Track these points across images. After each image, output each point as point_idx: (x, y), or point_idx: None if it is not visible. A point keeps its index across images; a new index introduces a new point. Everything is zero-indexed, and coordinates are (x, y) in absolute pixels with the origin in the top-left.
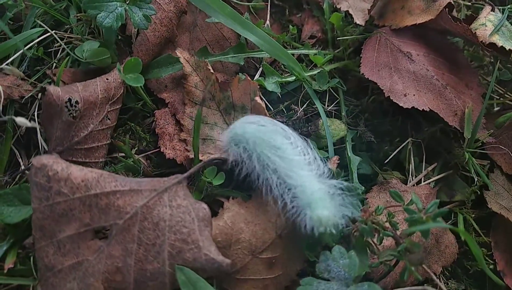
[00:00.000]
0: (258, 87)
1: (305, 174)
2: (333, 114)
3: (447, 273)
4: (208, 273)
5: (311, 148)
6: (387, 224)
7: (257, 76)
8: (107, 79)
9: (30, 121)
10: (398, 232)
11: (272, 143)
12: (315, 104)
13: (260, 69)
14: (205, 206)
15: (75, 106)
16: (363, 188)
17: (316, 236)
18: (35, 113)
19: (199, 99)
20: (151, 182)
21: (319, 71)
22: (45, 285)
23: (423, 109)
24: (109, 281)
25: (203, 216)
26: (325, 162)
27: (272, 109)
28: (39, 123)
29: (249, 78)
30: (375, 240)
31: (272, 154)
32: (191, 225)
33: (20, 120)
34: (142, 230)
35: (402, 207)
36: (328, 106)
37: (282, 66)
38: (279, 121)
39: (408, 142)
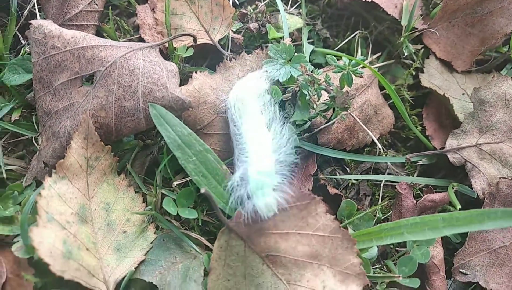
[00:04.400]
0: None
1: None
2: (294, 15)
3: (386, 143)
4: (174, 110)
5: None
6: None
7: None
8: None
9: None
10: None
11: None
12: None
13: None
14: (173, 63)
15: None
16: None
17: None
18: None
19: None
20: (128, 43)
21: None
22: (44, 127)
23: (365, 0)
24: (95, 117)
25: (171, 69)
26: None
27: (237, 3)
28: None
29: None
30: (314, 97)
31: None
32: (160, 73)
33: None
34: (120, 75)
35: (335, 66)
36: (290, 7)
37: None
38: None
39: (357, 34)
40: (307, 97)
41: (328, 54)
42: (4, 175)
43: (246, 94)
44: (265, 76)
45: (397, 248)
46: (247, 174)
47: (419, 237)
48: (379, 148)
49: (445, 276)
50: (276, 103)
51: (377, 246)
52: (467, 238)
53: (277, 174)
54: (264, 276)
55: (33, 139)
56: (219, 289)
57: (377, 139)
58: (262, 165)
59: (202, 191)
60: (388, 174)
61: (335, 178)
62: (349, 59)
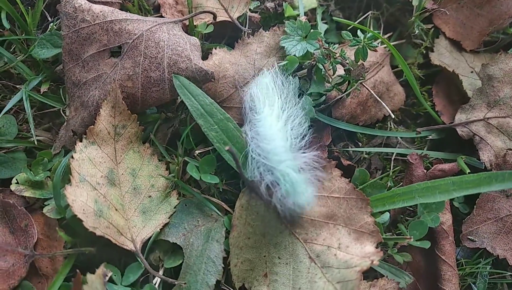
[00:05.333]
0: None
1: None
2: None
3: (397, 120)
4: (197, 81)
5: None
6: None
7: None
8: None
9: None
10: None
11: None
12: None
13: None
14: (196, 38)
15: None
16: None
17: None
18: None
19: None
20: (153, 18)
21: None
22: (73, 98)
23: None
24: (122, 87)
25: (194, 43)
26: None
27: None
28: None
29: None
30: (330, 72)
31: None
32: (184, 46)
33: None
34: (146, 47)
35: (351, 41)
36: None
37: None
38: None
39: (369, 15)
40: (323, 72)
41: (349, 24)
42: (35, 143)
43: (260, 91)
44: (279, 72)
45: (407, 218)
46: (276, 175)
47: (430, 199)
48: (391, 123)
49: (454, 242)
50: (294, 94)
51: (389, 212)
52: (474, 207)
53: (299, 152)
54: (282, 235)
55: (61, 110)
56: (240, 246)
57: (388, 116)
58: (286, 165)
59: (226, 148)
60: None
61: (347, 152)
62: (366, 30)
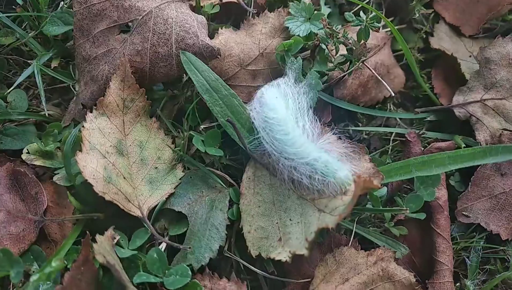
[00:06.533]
0: None
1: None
2: None
3: (396, 102)
4: (204, 57)
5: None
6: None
7: None
8: None
9: None
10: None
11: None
12: None
13: None
14: (203, 16)
15: None
16: None
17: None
18: None
19: None
20: None
21: None
22: (83, 73)
23: None
24: (131, 62)
25: (201, 21)
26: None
27: None
28: None
29: None
30: (332, 52)
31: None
32: (192, 23)
33: None
34: (155, 23)
35: (353, 21)
36: None
37: None
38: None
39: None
40: (326, 52)
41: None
42: (46, 114)
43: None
44: (283, 82)
45: (404, 195)
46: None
47: (426, 173)
48: (390, 105)
49: (449, 216)
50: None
51: (387, 187)
52: (469, 184)
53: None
54: (291, 200)
55: (71, 86)
56: (251, 214)
57: (388, 98)
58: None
59: (227, 119)
60: None
61: (347, 132)
62: (369, 10)
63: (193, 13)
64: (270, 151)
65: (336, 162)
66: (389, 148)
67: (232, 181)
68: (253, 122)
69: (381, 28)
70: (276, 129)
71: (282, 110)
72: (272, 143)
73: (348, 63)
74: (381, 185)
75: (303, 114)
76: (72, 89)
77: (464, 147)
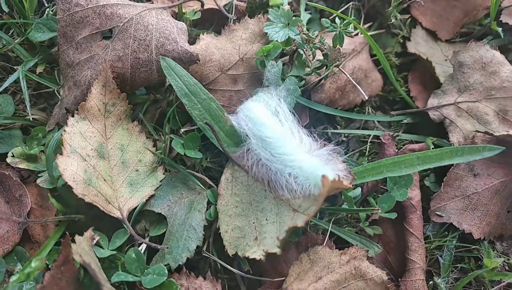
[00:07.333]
0: None
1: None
2: None
3: (374, 105)
4: (183, 62)
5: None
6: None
7: None
8: None
9: None
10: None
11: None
12: None
13: None
14: (183, 23)
15: None
16: None
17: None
18: None
19: None
20: (143, 4)
21: None
22: (67, 78)
23: None
24: (113, 68)
25: (181, 27)
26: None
27: None
28: None
29: None
30: (310, 57)
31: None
32: (171, 29)
33: None
34: (136, 30)
35: (328, 27)
36: None
37: None
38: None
39: (350, 5)
40: (303, 57)
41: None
42: (31, 118)
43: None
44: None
45: (379, 195)
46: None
47: (396, 173)
48: (368, 108)
49: (422, 216)
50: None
51: (361, 188)
52: (442, 184)
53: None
54: (267, 200)
55: (55, 91)
56: (229, 214)
57: (366, 101)
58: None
59: (205, 122)
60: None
61: (326, 134)
62: (343, 18)
63: (173, 19)
64: (263, 158)
65: (322, 165)
66: (366, 150)
67: (211, 183)
68: (240, 132)
69: (359, 33)
70: (273, 146)
71: (279, 128)
72: (264, 152)
73: (324, 67)
74: (353, 186)
75: (296, 128)
76: (57, 94)
77: (432, 148)
